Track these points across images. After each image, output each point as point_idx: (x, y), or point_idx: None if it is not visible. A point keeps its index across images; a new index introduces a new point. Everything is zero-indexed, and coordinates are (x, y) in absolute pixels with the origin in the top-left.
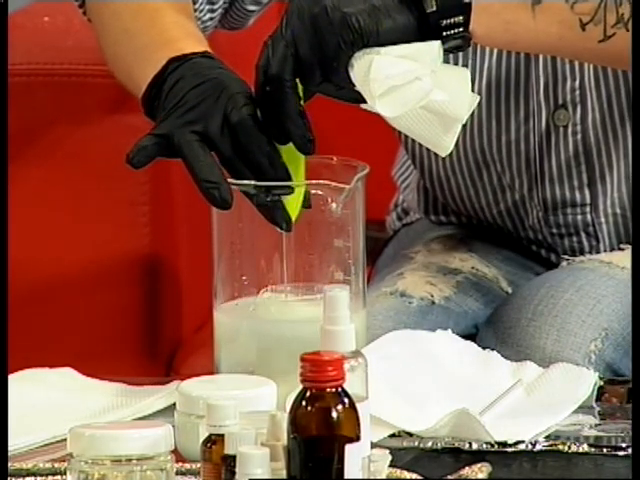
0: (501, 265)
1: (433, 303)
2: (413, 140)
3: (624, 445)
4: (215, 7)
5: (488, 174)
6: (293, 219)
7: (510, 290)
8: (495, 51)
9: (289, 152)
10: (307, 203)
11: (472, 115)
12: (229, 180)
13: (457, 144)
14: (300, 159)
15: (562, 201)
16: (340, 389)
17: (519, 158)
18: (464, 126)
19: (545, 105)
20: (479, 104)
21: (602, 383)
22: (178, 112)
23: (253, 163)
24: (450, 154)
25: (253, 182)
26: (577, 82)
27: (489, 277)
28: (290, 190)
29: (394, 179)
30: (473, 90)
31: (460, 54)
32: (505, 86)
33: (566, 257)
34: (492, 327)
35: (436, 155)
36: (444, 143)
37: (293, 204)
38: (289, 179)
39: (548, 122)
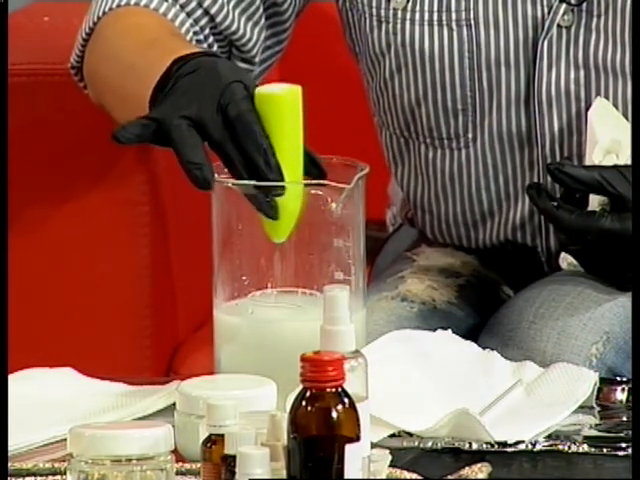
0: (503, 268)
1: (435, 308)
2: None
3: (624, 445)
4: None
5: (491, 222)
6: (290, 226)
7: (512, 293)
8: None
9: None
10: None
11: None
12: (231, 181)
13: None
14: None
15: None
16: (340, 389)
17: (523, 210)
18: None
19: (551, 157)
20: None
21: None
22: (171, 98)
23: (248, 158)
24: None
25: (254, 182)
26: (584, 136)
27: (491, 280)
28: (282, 191)
29: (389, 196)
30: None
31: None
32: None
33: (568, 260)
34: (493, 330)
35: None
36: None
37: (289, 206)
38: (282, 180)
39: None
